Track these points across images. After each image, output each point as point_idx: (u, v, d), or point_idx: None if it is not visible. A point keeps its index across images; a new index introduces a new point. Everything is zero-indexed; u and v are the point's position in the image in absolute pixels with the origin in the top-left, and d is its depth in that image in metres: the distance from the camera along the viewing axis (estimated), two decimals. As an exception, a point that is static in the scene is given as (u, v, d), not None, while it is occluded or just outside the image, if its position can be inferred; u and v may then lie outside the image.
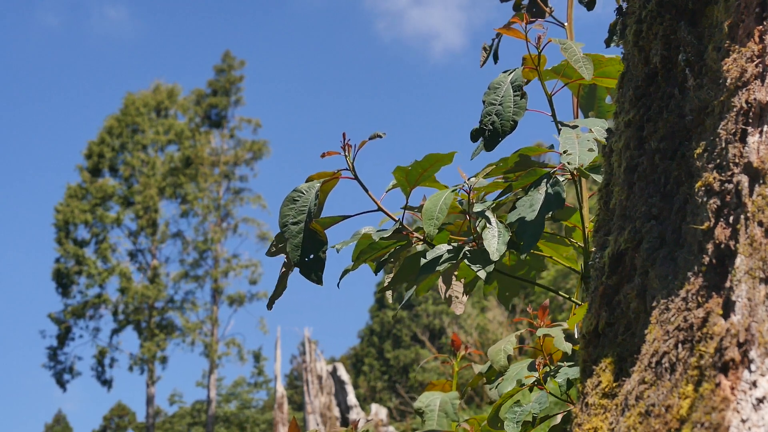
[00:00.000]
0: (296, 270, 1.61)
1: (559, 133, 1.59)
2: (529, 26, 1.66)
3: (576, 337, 1.72)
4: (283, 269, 1.64)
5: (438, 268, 1.58)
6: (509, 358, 1.78)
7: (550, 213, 1.52)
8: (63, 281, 31.49)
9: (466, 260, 1.58)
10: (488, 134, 1.58)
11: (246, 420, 43.02)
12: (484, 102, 1.61)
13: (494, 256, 1.51)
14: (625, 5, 1.06)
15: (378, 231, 1.65)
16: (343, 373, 19.13)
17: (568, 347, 1.64)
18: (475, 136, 1.60)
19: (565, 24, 1.97)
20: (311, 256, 1.57)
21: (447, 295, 1.85)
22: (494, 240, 1.53)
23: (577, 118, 1.86)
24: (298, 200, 1.59)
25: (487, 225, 1.56)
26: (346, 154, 1.65)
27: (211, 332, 32.77)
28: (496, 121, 1.58)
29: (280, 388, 20.22)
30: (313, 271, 1.57)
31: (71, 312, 31.77)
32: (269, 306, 1.65)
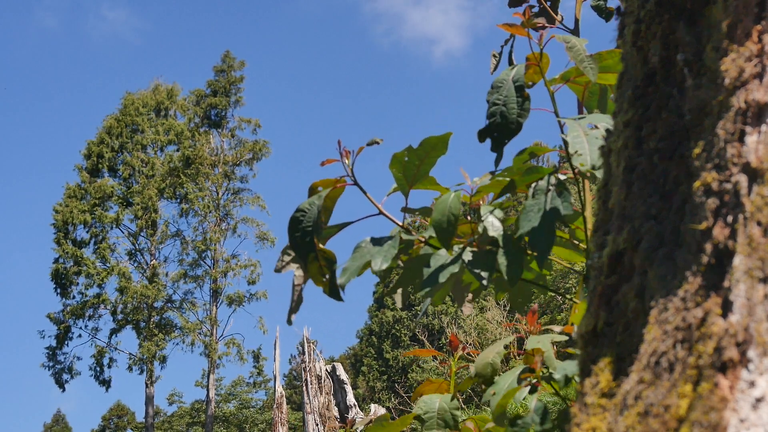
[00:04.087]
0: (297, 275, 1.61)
1: (562, 131, 1.59)
2: (532, 23, 1.66)
3: (574, 338, 1.72)
4: (296, 282, 1.64)
5: (441, 281, 1.57)
6: (504, 360, 1.78)
7: (560, 221, 1.50)
8: (62, 281, 31.45)
9: (467, 266, 1.56)
10: (495, 135, 1.57)
11: (245, 420, 43.00)
12: (488, 101, 1.60)
13: (512, 284, 1.50)
14: (623, 6, 1.06)
15: (377, 245, 1.61)
16: (342, 373, 19.12)
17: (557, 364, 1.63)
18: (481, 136, 1.59)
19: (572, 29, 1.97)
20: (327, 277, 1.57)
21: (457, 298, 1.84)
22: (511, 265, 1.51)
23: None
24: (302, 220, 1.59)
25: (500, 246, 1.54)
26: (345, 160, 1.65)
27: (211, 332, 32.74)
28: (501, 123, 1.57)
29: (279, 388, 20.21)
30: (333, 290, 1.58)
31: (70, 312, 31.73)
32: (289, 321, 1.65)
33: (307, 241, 1.56)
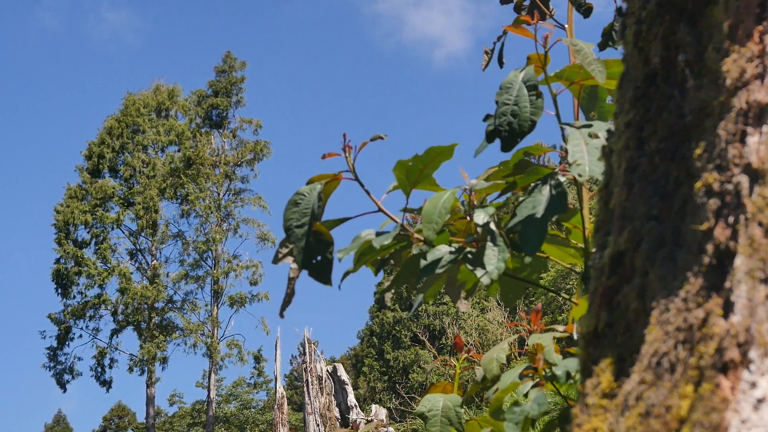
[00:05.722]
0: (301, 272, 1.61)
1: (563, 134, 1.58)
2: (538, 25, 1.66)
3: (575, 338, 1.72)
4: (291, 275, 1.63)
5: (438, 271, 1.57)
6: (505, 363, 1.78)
7: (555, 216, 1.50)
8: (63, 282, 31.43)
9: (466, 263, 1.56)
10: (505, 135, 1.56)
11: (246, 420, 43.02)
12: (497, 102, 1.59)
13: (494, 276, 1.50)
14: (624, 6, 1.06)
15: (378, 235, 1.63)
16: (343, 374, 19.13)
17: (558, 359, 1.63)
18: (490, 137, 1.58)
19: (566, 26, 1.97)
20: (318, 258, 1.56)
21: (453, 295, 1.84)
22: (494, 258, 1.52)
23: (578, 119, 1.86)
24: (300, 203, 1.58)
25: (488, 242, 1.54)
26: (347, 155, 1.64)
27: (212, 333, 32.72)
28: (513, 122, 1.56)
29: (280, 389, 20.21)
30: (322, 272, 1.56)
31: (71, 313, 31.70)
32: (281, 314, 1.64)
33: (303, 223, 1.56)
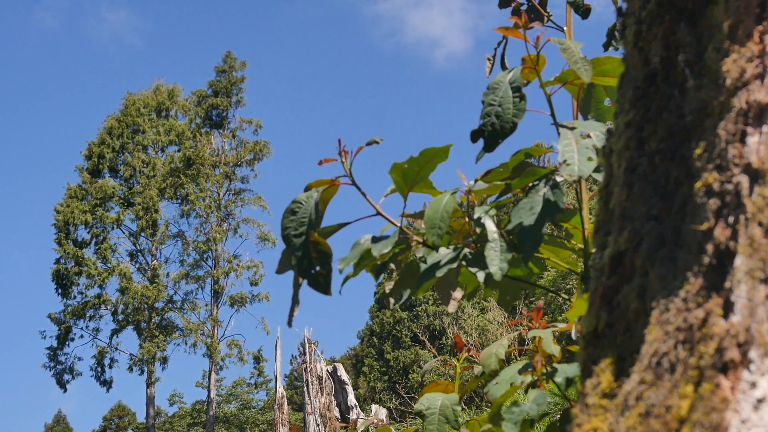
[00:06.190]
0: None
1: (558, 135, 1.59)
2: (528, 26, 1.66)
3: (574, 338, 1.72)
4: (295, 283, 1.63)
5: (438, 274, 1.57)
6: (504, 361, 1.78)
7: (550, 218, 1.50)
8: (63, 282, 31.42)
9: (465, 263, 1.56)
10: (488, 135, 1.57)
11: (246, 420, 43.03)
12: (483, 102, 1.60)
13: (497, 276, 1.49)
14: (624, 6, 1.06)
15: (376, 242, 1.62)
16: (343, 374, 19.13)
17: (555, 350, 1.63)
18: (474, 136, 1.59)
19: (564, 28, 1.97)
20: (317, 269, 1.56)
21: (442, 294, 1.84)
22: (496, 259, 1.51)
23: (576, 120, 1.86)
24: (297, 211, 1.58)
25: (489, 241, 1.54)
26: (343, 160, 1.64)
27: (212, 333, 32.72)
28: (496, 123, 1.57)
29: (280, 389, 20.21)
30: (322, 283, 1.56)
31: (71, 312, 31.70)
32: (289, 323, 1.64)
33: (301, 232, 1.56)
